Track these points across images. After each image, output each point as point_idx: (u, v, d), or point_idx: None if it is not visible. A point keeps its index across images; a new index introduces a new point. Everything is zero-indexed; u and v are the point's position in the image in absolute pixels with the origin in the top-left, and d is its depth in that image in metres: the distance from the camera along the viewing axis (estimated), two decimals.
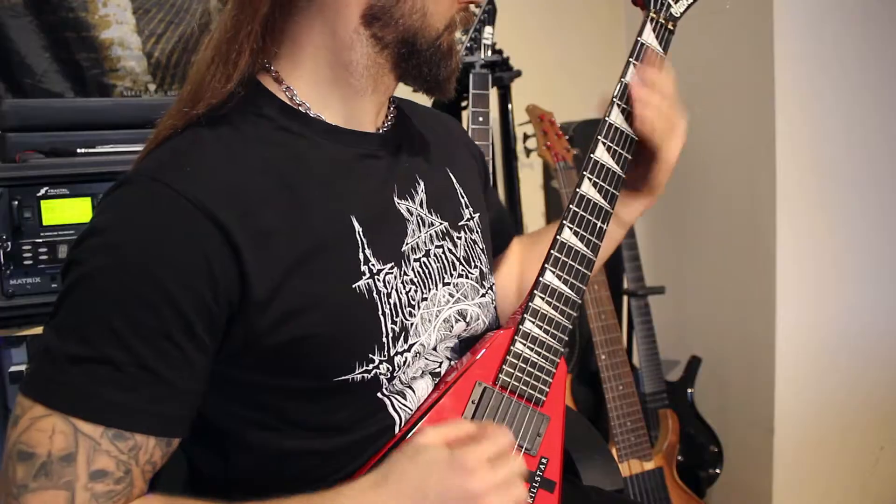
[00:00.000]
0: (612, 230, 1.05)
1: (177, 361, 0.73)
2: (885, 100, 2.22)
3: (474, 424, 0.84)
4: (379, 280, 0.84)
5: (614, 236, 1.09)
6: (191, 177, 0.75)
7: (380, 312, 0.83)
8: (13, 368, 1.35)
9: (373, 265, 0.84)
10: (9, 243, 1.29)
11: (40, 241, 1.31)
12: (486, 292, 0.98)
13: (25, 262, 1.30)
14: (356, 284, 0.82)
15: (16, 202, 1.28)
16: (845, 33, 2.15)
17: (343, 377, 0.81)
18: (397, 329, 0.84)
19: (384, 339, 0.83)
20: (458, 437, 0.82)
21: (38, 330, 1.33)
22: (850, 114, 2.17)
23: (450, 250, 0.94)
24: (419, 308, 0.87)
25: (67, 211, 1.33)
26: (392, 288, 0.85)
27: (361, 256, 0.83)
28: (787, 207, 2.12)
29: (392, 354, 0.84)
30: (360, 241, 0.83)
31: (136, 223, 0.74)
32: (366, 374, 0.82)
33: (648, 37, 0.94)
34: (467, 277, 0.95)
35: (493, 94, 2.03)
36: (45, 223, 1.31)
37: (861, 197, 2.22)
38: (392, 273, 0.85)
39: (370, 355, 0.82)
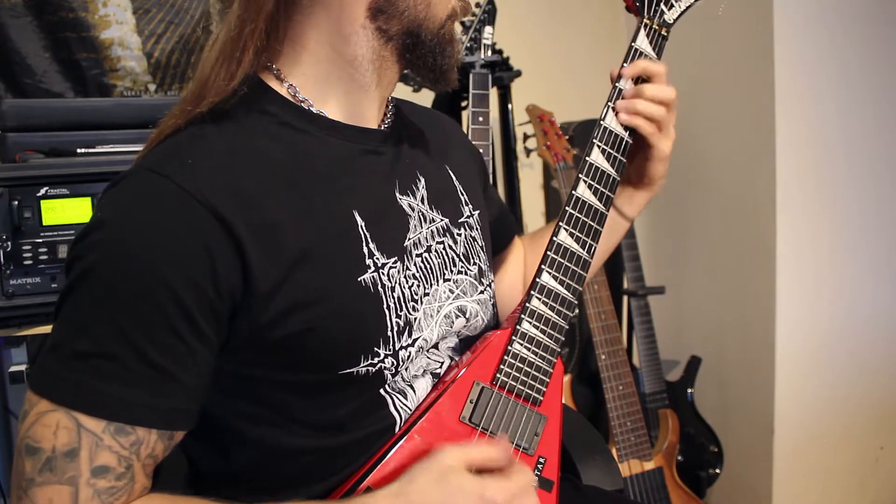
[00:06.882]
0: (617, 224, 1.09)
1: (180, 356, 0.73)
2: (884, 100, 2.21)
3: (498, 452, 0.83)
4: (383, 274, 0.84)
5: (618, 230, 1.12)
6: (193, 171, 0.76)
7: (385, 306, 0.83)
8: (13, 368, 1.36)
9: (377, 259, 0.84)
10: (9, 243, 1.29)
11: (40, 241, 1.31)
12: (485, 289, 0.98)
13: (25, 262, 1.30)
14: (361, 278, 0.82)
15: (16, 202, 1.28)
16: (845, 34, 2.15)
17: (348, 370, 0.81)
18: (402, 323, 0.85)
19: (389, 333, 0.84)
20: (482, 462, 0.82)
21: (38, 330, 1.33)
22: (849, 114, 2.17)
23: (450, 247, 0.94)
24: (422, 303, 0.88)
25: (67, 211, 1.33)
26: (395, 282, 0.85)
27: (366, 250, 0.83)
28: (787, 207, 2.12)
29: (397, 349, 0.84)
30: (363, 236, 0.83)
31: (138, 218, 0.74)
32: (370, 368, 0.82)
33: (642, 42, 0.95)
34: (466, 274, 0.95)
35: (493, 94, 2.03)
36: (45, 223, 1.31)
37: (861, 197, 2.22)
38: (395, 267, 0.86)
39: (376, 349, 0.82)
